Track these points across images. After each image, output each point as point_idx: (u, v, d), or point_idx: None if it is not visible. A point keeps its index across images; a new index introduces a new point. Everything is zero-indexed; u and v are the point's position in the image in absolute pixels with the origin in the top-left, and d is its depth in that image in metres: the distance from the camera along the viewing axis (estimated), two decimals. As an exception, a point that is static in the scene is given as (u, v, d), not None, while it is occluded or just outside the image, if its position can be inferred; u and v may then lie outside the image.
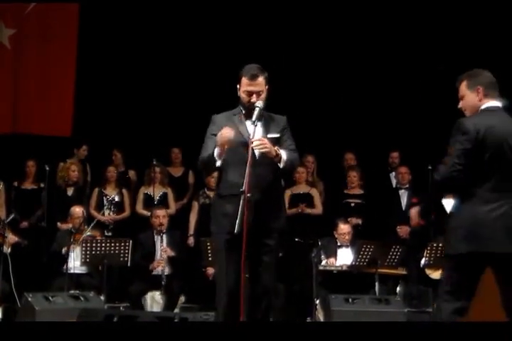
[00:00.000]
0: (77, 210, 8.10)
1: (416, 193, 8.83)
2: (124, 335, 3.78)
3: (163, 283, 7.64)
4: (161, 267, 7.75)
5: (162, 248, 7.88)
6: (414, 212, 7.01)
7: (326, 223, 8.34)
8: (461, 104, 4.31)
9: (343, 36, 10.17)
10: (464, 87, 4.27)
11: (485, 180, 4.03)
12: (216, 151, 4.57)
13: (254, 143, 4.48)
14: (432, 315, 6.94)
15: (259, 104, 4.64)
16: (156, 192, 8.94)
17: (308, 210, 8.69)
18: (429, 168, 8.59)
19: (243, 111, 4.75)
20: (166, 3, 10.20)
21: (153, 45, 10.25)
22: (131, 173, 9.67)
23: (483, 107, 4.20)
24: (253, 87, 4.67)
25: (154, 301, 7.73)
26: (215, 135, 4.60)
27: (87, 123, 10.10)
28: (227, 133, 4.49)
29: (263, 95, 4.70)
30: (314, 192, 8.87)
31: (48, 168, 8.52)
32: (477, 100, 4.22)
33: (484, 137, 4.02)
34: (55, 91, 10.18)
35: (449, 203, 4.55)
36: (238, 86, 4.75)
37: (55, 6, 10.19)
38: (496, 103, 4.21)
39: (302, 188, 8.89)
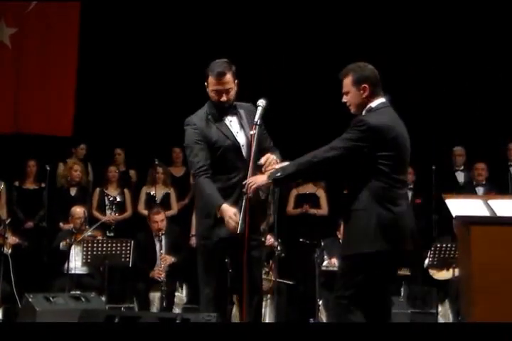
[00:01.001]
0: (78, 210, 8.08)
1: (419, 193, 8.83)
2: (126, 336, 3.76)
3: (162, 288, 7.58)
4: (162, 276, 7.68)
5: (161, 257, 7.77)
6: None
7: (331, 224, 8.31)
8: (345, 99, 4.20)
9: (343, 36, 10.15)
10: (348, 82, 4.15)
11: (388, 178, 3.98)
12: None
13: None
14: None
15: (262, 103, 4.50)
16: (159, 192, 8.92)
17: (314, 211, 8.67)
18: (433, 168, 8.61)
19: (214, 111, 4.57)
20: (167, 2, 10.19)
21: (154, 44, 10.24)
22: (132, 173, 9.65)
23: (373, 105, 4.11)
24: (221, 85, 4.49)
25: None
26: (199, 140, 4.45)
27: (89, 123, 10.09)
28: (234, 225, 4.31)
29: (232, 92, 4.52)
30: (320, 193, 8.84)
31: (48, 168, 8.51)
32: (363, 97, 4.11)
33: (385, 136, 3.97)
34: (55, 90, 10.17)
35: (452, 203, 4.53)
36: (206, 83, 4.58)
37: (56, 5, 10.18)
38: (383, 100, 4.12)
39: (309, 188, 8.87)
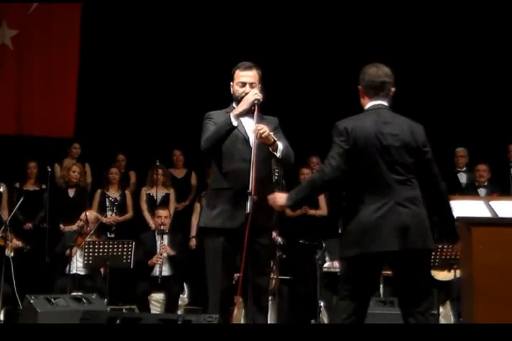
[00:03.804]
0: (89, 215, 8.01)
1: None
2: (127, 338, 3.77)
3: (159, 281, 7.65)
4: (159, 262, 7.72)
5: (162, 245, 7.87)
6: None
7: (331, 224, 8.31)
8: None
9: (342, 38, 10.17)
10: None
11: (364, 181, 3.96)
12: (237, 111, 4.46)
13: (255, 128, 4.39)
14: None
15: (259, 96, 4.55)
16: (158, 193, 8.95)
17: (313, 211, 8.66)
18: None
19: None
20: (169, 5, 10.20)
21: (156, 46, 10.25)
22: (132, 174, 9.65)
23: (366, 107, 4.15)
24: (246, 77, 4.61)
25: (155, 301, 7.74)
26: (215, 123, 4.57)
27: (90, 124, 10.10)
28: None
29: (255, 89, 4.59)
30: (320, 194, 8.84)
31: (49, 169, 8.53)
32: (360, 97, 4.19)
33: (355, 138, 3.95)
34: (57, 91, 10.19)
35: (454, 204, 4.52)
36: (231, 83, 4.70)
37: (57, 7, 10.19)
38: (378, 102, 4.11)
39: (308, 189, 8.84)
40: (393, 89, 4.15)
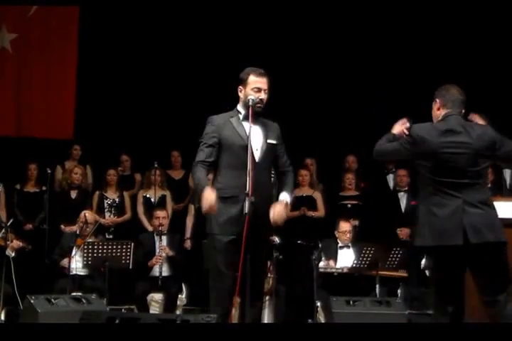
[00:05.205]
0: (88, 215, 8.05)
1: (415, 196, 8.84)
2: (126, 337, 3.79)
3: (159, 283, 7.69)
4: (159, 263, 7.77)
5: (161, 246, 7.92)
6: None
7: (327, 225, 8.36)
8: None
9: (342, 39, 10.20)
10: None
11: (436, 184, 4.38)
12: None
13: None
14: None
15: (252, 101, 4.75)
16: (156, 194, 8.97)
17: (311, 213, 8.70)
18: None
19: (241, 113, 4.82)
20: (166, 7, 10.23)
21: (153, 48, 10.29)
22: (137, 176, 9.68)
23: (440, 117, 4.57)
24: (261, 83, 4.80)
25: (154, 301, 7.77)
26: (212, 137, 4.76)
27: (90, 126, 10.13)
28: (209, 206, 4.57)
29: (266, 96, 4.82)
30: (317, 195, 8.87)
31: (49, 171, 8.56)
32: (435, 110, 4.63)
33: (423, 142, 4.40)
34: (56, 93, 10.25)
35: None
36: (241, 87, 4.83)
37: (55, 10, 10.25)
38: (452, 113, 4.53)
39: (305, 191, 8.89)
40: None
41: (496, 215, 4.42)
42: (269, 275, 7.43)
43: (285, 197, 4.76)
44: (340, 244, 7.94)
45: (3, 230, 7.71)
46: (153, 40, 10.28)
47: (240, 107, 4.86)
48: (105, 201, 8.95)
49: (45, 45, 10.26)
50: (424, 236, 4.37)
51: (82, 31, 10.28)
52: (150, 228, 8.57)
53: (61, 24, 10.27)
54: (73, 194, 8.91)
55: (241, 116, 4.82)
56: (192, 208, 8.77)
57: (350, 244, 7.92)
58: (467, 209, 4.31)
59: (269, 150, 4.80)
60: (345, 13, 10.19)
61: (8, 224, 7.82)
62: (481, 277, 4.36)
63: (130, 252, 7.54)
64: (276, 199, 4.81)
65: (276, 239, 7.07)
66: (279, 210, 4.64)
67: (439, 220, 4.32)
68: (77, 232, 8.02)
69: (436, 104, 4.61)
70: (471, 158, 4.38)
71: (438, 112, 4.59)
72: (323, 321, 7.27)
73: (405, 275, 7.84)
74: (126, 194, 9.09)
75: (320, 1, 10.23)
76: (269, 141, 4.80)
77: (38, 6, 10.22)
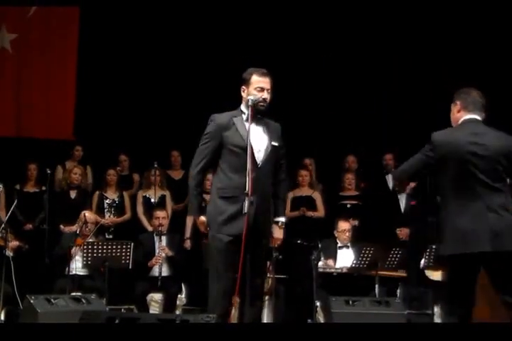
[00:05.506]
0: (88, 215, 8.06)
1: (414, 196, 8.86)
2: (126, 337, 3.80)
3: (159, 283, 7.70)
4: (158, 264, 7.78)
5: (161, 246, 7.93)
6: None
7: (327, 225, 8.36)
8: None
9: (342, 39, 10.20)
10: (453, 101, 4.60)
11: (456, 188, 4.32)
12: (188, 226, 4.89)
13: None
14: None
15: (251, 101, 4.78)
16: (156, 194, 8.97)
17: (311, 213, 8.71)
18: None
19: (245, 113, 4.83)
20: (166, 8, 10.24)
21: (153, 48, 10.29)
22: (135, 176, 9.69)
23: (460, 121, 4.50)
24: (265, 83, 4.83)
25: (153, 301, 7.78)
26: (213, 138, 4.79)
27: (89, 126, 10.14)
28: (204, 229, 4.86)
29: (269, 96, 4.85)
30: (316, 195, 8.88)
31: (49, 171, 8.57)
32: (455, 112, 4.55)
33: (444, 148, 4.34)
34: (56, 94, 10.25)
35: None
36: (244, 87, 4.85)
37: (55, 10, 10.26)
38: (473, 116, 4.47)
39: (305, 191, 8.90)
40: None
41: None
42: (268, 275, 7.44)
43: (281, 219, 4.93)
44: (339, 244, 7.95)
45: (3, 230, 7.70)
46: (153, 40, 10.29)
47: (243, 107, 4.89)
48: (105, 201, 8.96)
49: (45, 45, 10.27)
50: (448, 243, 4.30)
51: (82, 31, 10.28)
52: (150, 228, 8.57)
53: (61, 24, 10.28)
54: (73, 194, 8.93)
55: (244, 117, 4.83)
56: (192, 208, 8.75)
57: (349, 244, 7.93)
58: (489, 215, 4.26)
59: (272, 152, 4.82)
60: (345, 13, 10.20)
61: (6, 218, 7.81)
62: (502, 281, 4.29)
63: (130, 252, 7.55)
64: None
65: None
66: (277, 235, 4.94)
67: (461, 227, 4.25)
68: (77, 232, 8.03)
69: (457, 106, 4.54)
70: (492, 161, 4.32)
71: (458, 115, 4.53)
72: (322, 321, 7.28)
73: (404, 275, 7.85)
74: (126, 194, 9.10)
75: (320, 1, 10.23)
76: (273, 143, 4.83)
77: (37, 7, 10.23)
